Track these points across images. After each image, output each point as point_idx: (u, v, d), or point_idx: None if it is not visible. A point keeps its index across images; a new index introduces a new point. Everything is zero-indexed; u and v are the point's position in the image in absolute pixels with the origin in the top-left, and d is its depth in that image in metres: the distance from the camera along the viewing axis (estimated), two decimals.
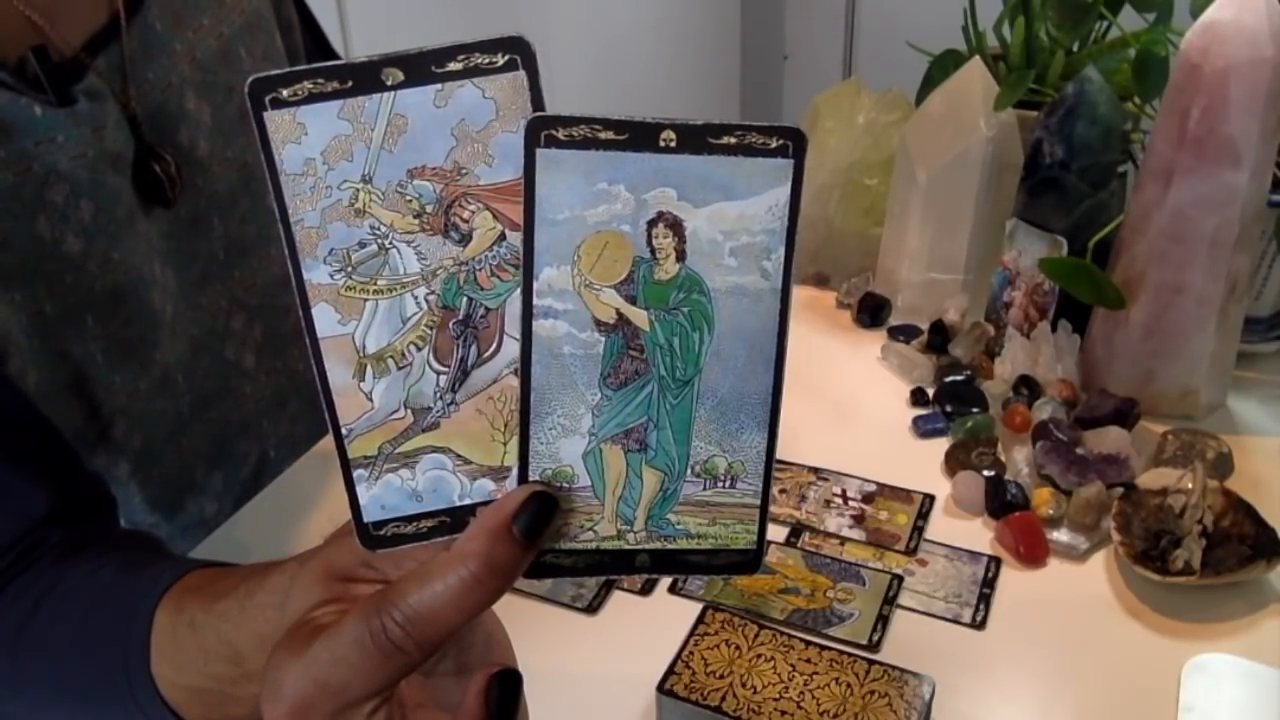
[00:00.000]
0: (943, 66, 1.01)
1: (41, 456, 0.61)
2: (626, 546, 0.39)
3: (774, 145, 0.36)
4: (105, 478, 0.70)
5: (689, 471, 0.39)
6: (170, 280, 0.73)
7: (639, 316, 0.37)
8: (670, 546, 0.39)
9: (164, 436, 0.75)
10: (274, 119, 0.36)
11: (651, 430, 0.38)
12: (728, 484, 0.39)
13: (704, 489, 0.39)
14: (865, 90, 1.04)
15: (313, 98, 0.36)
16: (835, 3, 2.62)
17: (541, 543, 0.37)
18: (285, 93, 0.35)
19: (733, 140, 0.36)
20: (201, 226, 0.75)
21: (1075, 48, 0.98)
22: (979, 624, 0.67)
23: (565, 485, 0.38)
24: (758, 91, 2.80)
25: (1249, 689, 0.62)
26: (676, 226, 0.36)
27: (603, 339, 0.37)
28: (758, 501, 0.39)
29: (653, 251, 0.36)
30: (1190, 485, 0.69)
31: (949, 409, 0.85)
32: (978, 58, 0.95)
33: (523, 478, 0.38)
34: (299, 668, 0.37)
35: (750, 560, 0.40)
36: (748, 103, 2.81)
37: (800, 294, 1.03)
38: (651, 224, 0.36)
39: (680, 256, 0.37)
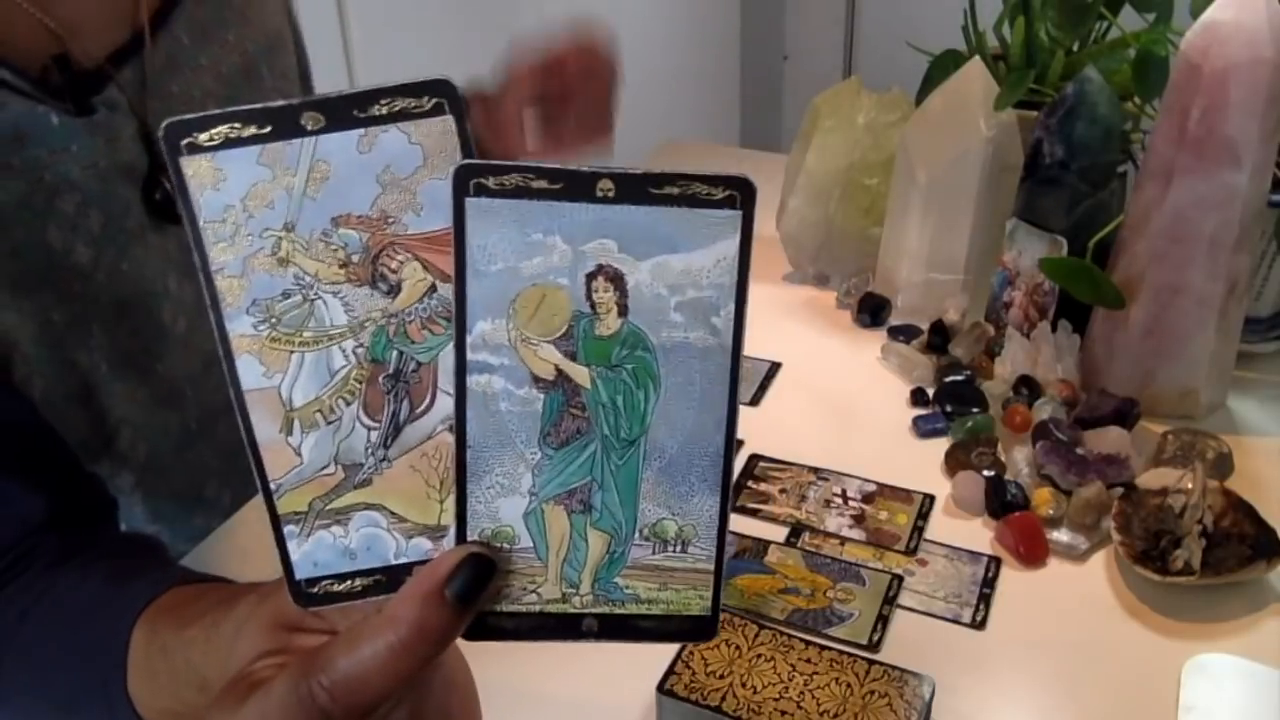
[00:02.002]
0: (943, 66, 1.01)
1: (41, 462, 0.61)
2: (572, 610, 0.37)
3: (720, 196, 0.34)
4: (109, 488, 0.70)
5: (637, 534, 0.37)
6: (187, 294, 0.73)
7: (579, 373, 0.36)
8: (619, 611, 0.38)
9: (171, 450, 0.75)
10: (191, 164, 0.35)
11: (596, 491, 0.37)
12: (679, 548, 0.37)
13: (654, 553, 0.37)
14: (865, 90, 1.04)
15: (230, 143, 0.35)
16: (835, 3, 2.62)
17: (477, 607, 0.36)
18: (202, 137, 0.35)
19: (675, 190, 0.34)
20: None
21: (1075, 48, 0.98)
22: (979, 624, 0.67)
23: (506, 546, 0.37)
24: (758, 91, 2.80)
25: (1249, 689, 0.62)
26: (617, 280, 0.35)
27: (542, 396, 0.36)
28: (711, 567, 0.37)
29: (593, 305, 0.35)
30: (1190, 485, 0.70)
31: (949, 409, 0.85)
32: (978, 58, 0.95)
33: (460, 537, 0.37)
34: None
35: (704, 628, 0.38)
36: (748, 103, 2.81)
37: (800, 294, 1.03)
38: (591, 277, 0.35)
39: (622, 311, 0.35)
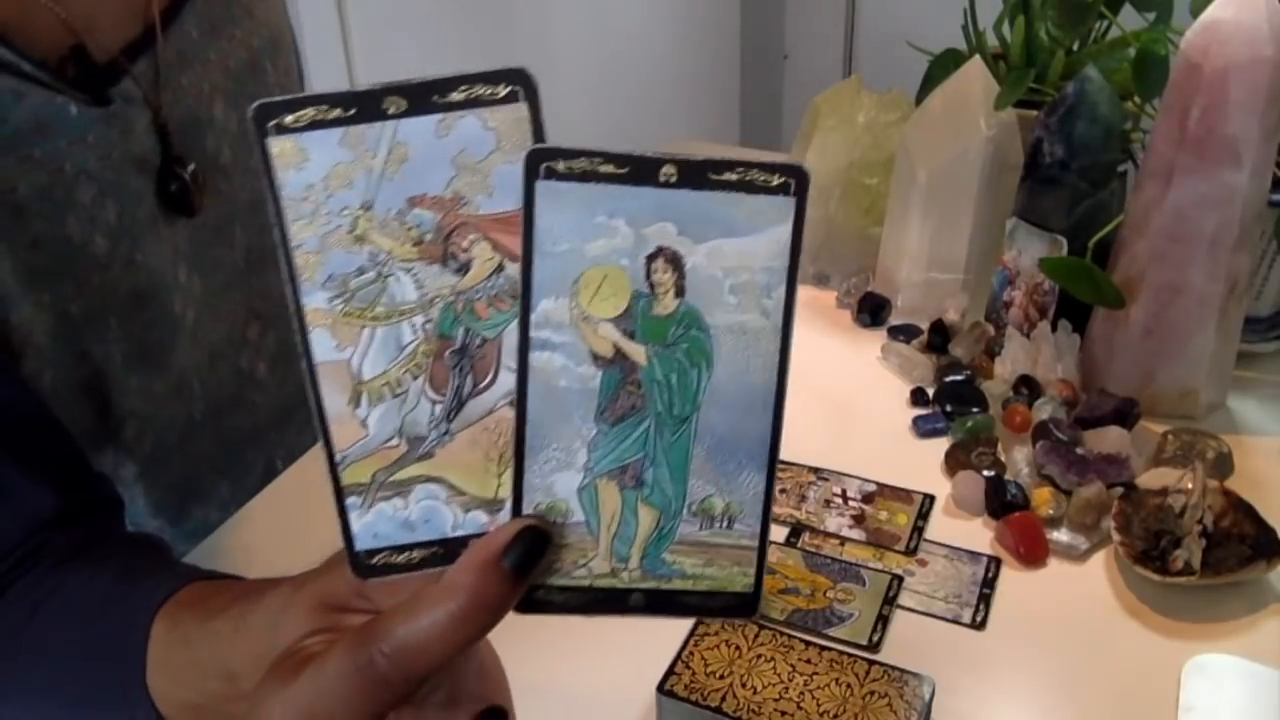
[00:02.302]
0: (943, 66, 1.01)
1: (51, 458, 0.61)
2: (620, 585, 0.38)
3: (775, 183, 0.36)
4: (111, 478, 0.70)
5: (685, 510, 0.38)
6: (195, 286, 0.74)
7: (637, 351, 0.37)
8: (665, 586, 0.38)
9: (175, 441, 0.76)
10: (277, 144, 0.36)
11: (648, 467, 0.38)
12: (725, 525, 0.38)
13: (700, 529, 0.38)
14: (865, 90, 1.04)
15: (315, 124, 0.36)
16: (835, 3, 2.62)
17: (531, 578, 0.37)
18: (289, 119, 0.36)
19: (734, 176, 0.36)
20: (225, 234, 0.76)
21: (1075, 47, 0.98)
22: (979, 624, 0.67)
23: (559, 520, 0.38)
24: (758, 91, 2.80)
25: (1249, 689, 0.62)
26: (676, 261, 0.36)
27: (600, 373, 0.37)
28: (755, 543, 0.38)
29: (651, 286, 0.36)
30: (1190, 485, 0.69)
31: (949, 409, 0.85)
32: (978, 58, 0.95)
33: (516, 511, 0.37)
34: (286, 698, 0.37)
35: (748, 603, 0.39)
36: (748, 102, 2.81)
37: (800, 294, 1.02)
38: (651, 258, 0.36)
39: (679, 292, 0.36)
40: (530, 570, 0.37)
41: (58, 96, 0.62)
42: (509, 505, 0.38)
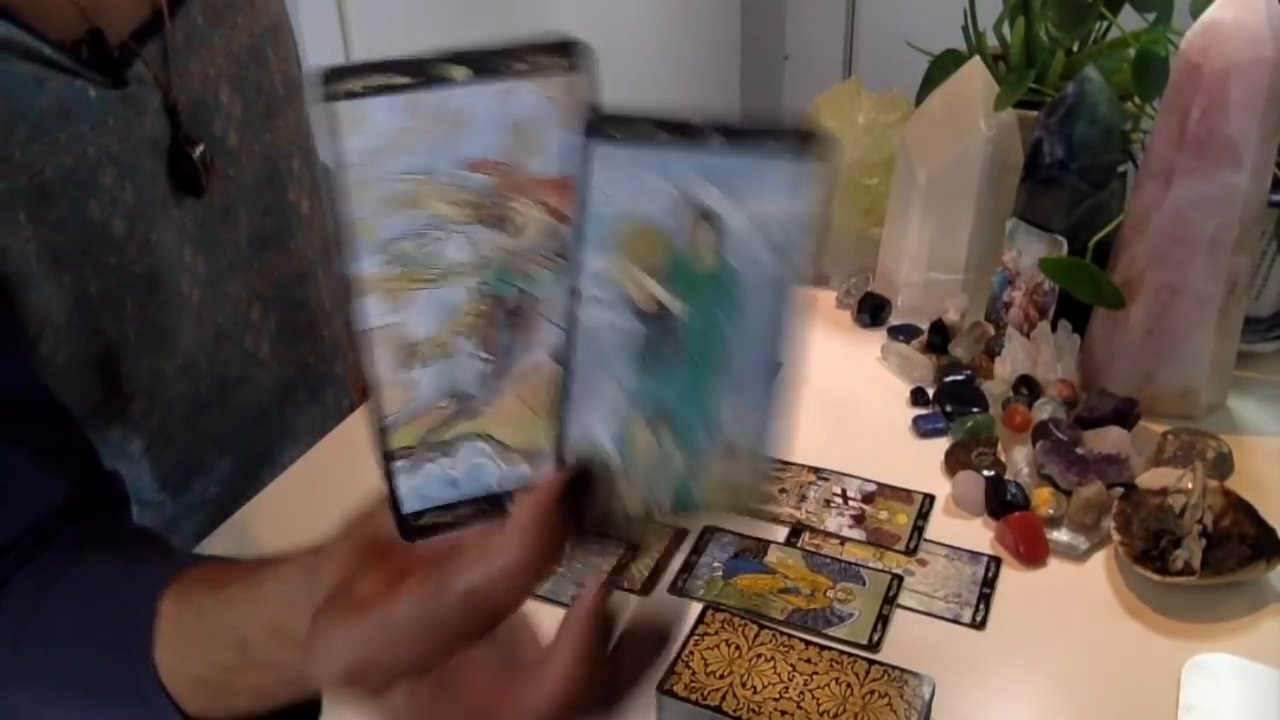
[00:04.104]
0: (943, 66, 1.01)
1: (62, 450, 0.62)
2: (653, 524, 0.40)
3: (811, 148, 0.37)
4: (117, 454, 0.72)
5: (713, 451, 0.40)
6: (201, 267, 0.76)
7: (676, 306, 0.38)
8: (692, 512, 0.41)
9: (180, 418, 0.77)
10: (342, 109, 0.37)
11: (681, 413, 0.39)
12: (747, 461, 0.40)
13: (724, 466, 0.40)
14: (865, 90, 1.04)
15: (380, 90, 0.37)
16: (835, 3, 2.62)
17: (588, 521, 0.38)
18: (356, 84, 0.36)
19: (774, 142, 0.37)
20: (231, 216, 0.78)
21: (1075, 48, 0.98)
22: (979, 624, 0.67)
23: (600, 465, 0.39)
24: (758, 91, 2.80)
25: (1249, 689, 0.62)
26: (716, 221, 0.38)
27: (642, 327, 0.38)
28: (770, 471, 0.41)
29: (693, 244, 0.38)
30: (1190, 485, 0.69)
31: (949, 409, 0.85)
32: (978, 58, 0.95)
33: (559, 459, 0.39)
34: (353, 637, 0.37)
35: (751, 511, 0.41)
36: (748, 103, 2.81)
37: (800, 293, 1.03)
38: (693, 218, 0.38)
39: (717, 250, 0.38)
40: (586, 511, 0.38)
41: (77, 80, 0.63)
42: (552, 456, 0.39)
